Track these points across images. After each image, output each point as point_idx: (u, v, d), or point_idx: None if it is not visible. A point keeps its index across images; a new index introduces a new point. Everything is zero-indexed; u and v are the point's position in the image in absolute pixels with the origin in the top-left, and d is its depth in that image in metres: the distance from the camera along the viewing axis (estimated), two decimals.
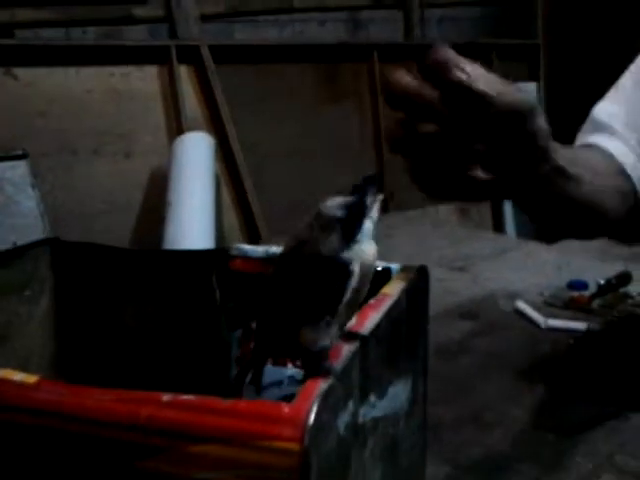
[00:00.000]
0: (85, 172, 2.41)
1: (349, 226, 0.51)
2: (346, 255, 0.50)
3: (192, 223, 2.22)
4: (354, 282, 0.49)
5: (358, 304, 0.54)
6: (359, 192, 0.55)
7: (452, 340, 1.41)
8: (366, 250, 0.52)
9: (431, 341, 1.43)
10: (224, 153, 2.64)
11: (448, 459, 1.00)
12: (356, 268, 0.49)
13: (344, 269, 0.49)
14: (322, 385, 0.46)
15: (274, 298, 0.52)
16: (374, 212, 0.55)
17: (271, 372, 0.76)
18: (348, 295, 0.48)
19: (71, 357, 0.85)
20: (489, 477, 0.95)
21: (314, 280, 0.48)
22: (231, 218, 2.65)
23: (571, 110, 3.41)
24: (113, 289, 0.82)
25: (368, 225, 0.53)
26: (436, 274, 1.89)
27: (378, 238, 1.72)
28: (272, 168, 2.68)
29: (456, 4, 3.56)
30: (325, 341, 0.47)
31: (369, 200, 0.54)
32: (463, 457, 1.00)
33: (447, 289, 1.72)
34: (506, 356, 1.32)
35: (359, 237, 0.51)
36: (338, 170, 2.85)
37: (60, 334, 0.83)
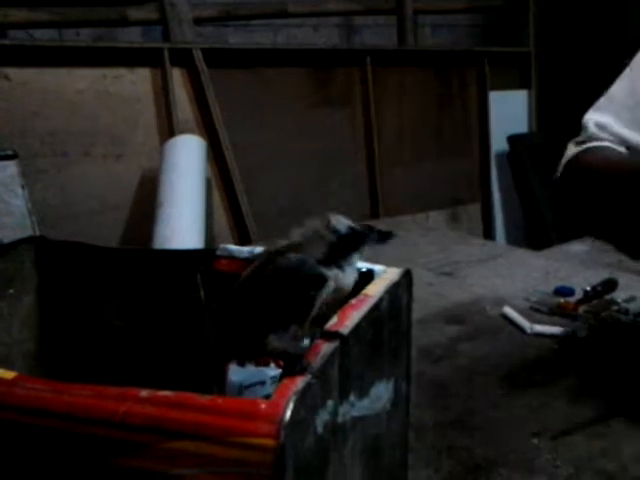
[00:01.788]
0: (76, 173, 2.40)
1: (342, 247, 0.52)
2: (325, 271, 0.51)
3: (182, 225, 2.22)
4: (325, 296, 0.50)
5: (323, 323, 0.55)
6: (364, 228, 0.57)
7: (438, 344, 1.42)
8: (345, 277, 0.53)
9: (417, 344, 1.44)
10: (215, 156, 2.64)
11: (430, 462, 1.00)
12: (331, 285, 0.50)
13: (319, 280, 0.49)
14: (299, 383, 0.46)
15: (246, 300, 0.52)
16: (363, 251, 0.57)
17: (254, 372, 0.77)
18: (317, 308, 0.49)
19: (55, 355, 0.85)
20: None
21: (288, 285, 0.49)
22: (222, 220, 2.65)
23: (562, 117, 3.44)
24: (97, 287, 0.82)
25: (355, 258, 0.55)
26: (424, 279, 1.91)
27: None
28: (263, 171, 2.68)
29: (449, 11, 3.59)
30: (290, 350, 0.48)
31: (367, 240, 0.56)
32: (446, 460, 1.01)
33: (435, 293, 1.73)
34: (491, 360, 1.33)
35: (345, 262, 0.53)
36: (329, 174, 2.86)
37: (44, 332, 0.83)
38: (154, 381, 0.55)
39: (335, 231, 0.52)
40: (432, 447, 1.04)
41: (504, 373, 1.28)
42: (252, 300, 0.53)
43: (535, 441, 1.04)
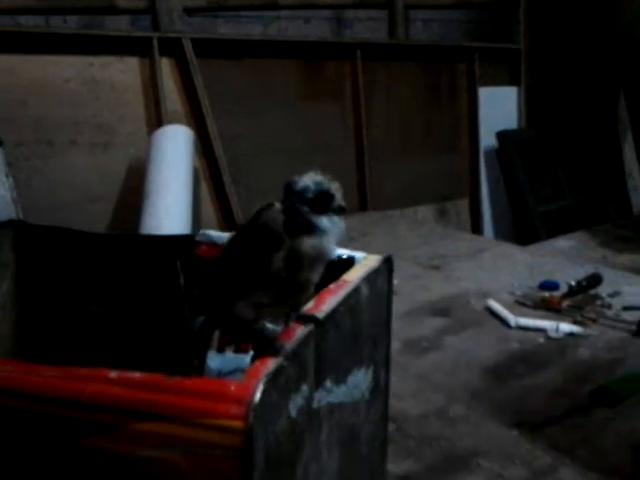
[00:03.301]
0: (62, 162, 2.37)
1: (293, 208, 0.51)
2: (283, 230, 0.49)
3: (169, 215, 2.20)
4: (282, 256, 0.49)
5: (300, 294, 0.53)
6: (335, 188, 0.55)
7: (423, 336, 1.42)
8: (308, 241, 0.50)
9: (402, 337, 1.44)
10: (204, 146, 2.62)
11: (411, 453, 1.00)
12: (287, 243, 0.49)
13: (275, 242, 0.49)
14: (271, 365, 0.46)
15: (218, 272, 0.52)
16: (337, 220, 0.54)
17: (233, 359, 0.76)
18: (275, 266, 0.49)
19: (33, 339, 0.84)
20: (450, 472, 0.95)
21: (246, 250, 0.48)
22: (209, 210, 2.63)
23: (551, 114, 3.45)
24: (77, 272, 0.81)
25: (325, 223, 0.52)
26: (411, 271, 1.91)
27: (354, 236, 1.72)
28: (251, 162, 2.66)
29: (441, 7, 3.58)
30: (251, 316, 0.48)
31: (336, 203, 0.53)
32: (426, 451, 1.01)
33: (421, 287, 1.73)
34: (475, 353, 1.33)
35: (309, 225, 0.51)
36: (317, 167, 2.84)
37: (21, 315, 0.82)
38: (132, 367, 0.54)
39: (300, 194, 0.50)
40: (413, 438, 1.04)
41: (487, 365, 1.28)
42: (221, 271, 0.52)
43: (515, 432, 1.04)
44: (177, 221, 2.26)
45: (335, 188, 0.53)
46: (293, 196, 0.51)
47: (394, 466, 0.93)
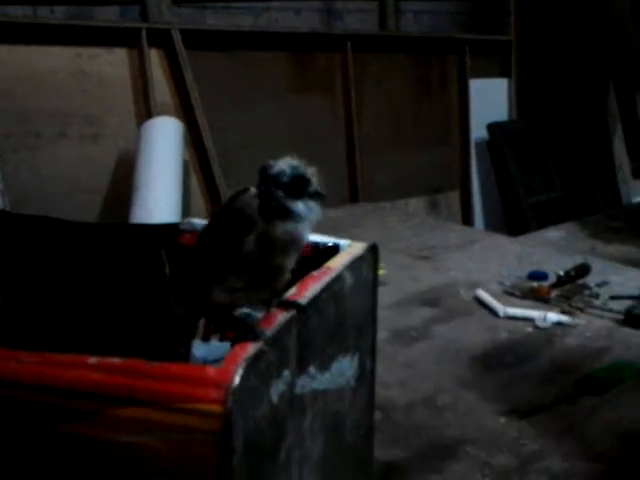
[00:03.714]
0: (50, 154, 2.35)
1: (269, 192, 0.50)
2: (255, 214, 0.49)
3: (159, 206, 2.20)
4: (254, 239, 0.49)
5: (274, 279, 0.53)
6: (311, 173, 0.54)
7: (412, 326, 1.42)
8: (283, 225, 0.50)
9: (391, 326, 1.44)
10: (193, 139, 2.61)
11: (398, 441, 1.01)
12: (259, 226, 0.49)
13: (247, 225, 0.49)
14: (251, 349, 0.45)
15: (196, 259, 0.52)
16: (314, 205, 0.53)
17: (218, 347, 0.76)
18: (247, 249, 0.48)
19: (20, 330, 0.84)
20: (437, 460, 0.96)
21: (219, 234, 0.48)
22: (199, 202, 2.63)
23: (541, 106, 3.46)
24: (61, 261, 0.81)
25: (300, 208, 0.51)
26: (401, 262, 1.91)
27: (343, 227, 1.72)
28: (241, 154, 2.65)
29: None
30: (226, 301, 0.48)
31: (312, 188, 0.53)
32: (414, 439, 1.01)
33: (410, 277, 1.73)
34: (463, 342, 1.33)
35: (284, 209, 0.51)
36: (308, 159, 2.83)
37: (8, 307, 0.82)
38: (118, 356, 0.54)
39: (275, 178, 0.50)
40: (401, 426, 1.04)
41: (475, 354, 1.28)
42: (197, 258, 0.52)
43: (502, 420, 1.05)
44: (167, 213, 2.25)
45: (311, 173, 0.53)
46: (268, 180, 0.50)
47: (381, 454, 0.93)
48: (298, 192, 0.51)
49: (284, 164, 0.52)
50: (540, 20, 3.38)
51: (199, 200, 2.60)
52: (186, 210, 2.36)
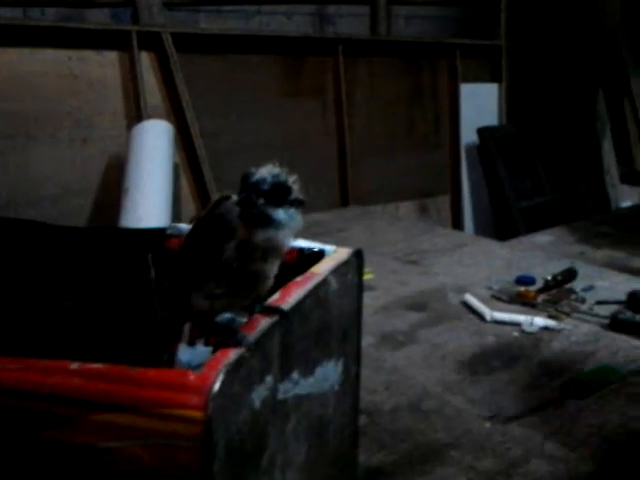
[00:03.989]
0: (40, 156, 2.35)
1: (250, 200, 0.50)
2: (236, 221, 0.50)
3: (149, 210, 2.19)
4: (233, 247, 0.49)
5: (254, 286, 0.53)
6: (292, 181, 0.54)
7: (398, 330, 1.43)
8: (263, 233, 0.50)
9: (378, 330, 1.45)
10: (184, 142, 2.61)
11: (384, 445, 1.01)
12: (239, 233, 0.50)
13: (227, 232, 0.49)
14: (232, 355, 0.46)
15: (179, 265, 0.52)
16: (294, 213, 0.53)
17: (203, 352, 0.76)
18: (226, 255, 0.49)
19: (4, 334, 0.83)
20: (423, 464, 0.96)
21: (199, 241, 0.49)
22: (190, 207, 2.63)
23: (531, 110, 3.48)
24: (46, 265, 0.81)
25: (281, 216, 0.51)
26: (389, 266, 1.92)
27: (332, 231, 1.72)
28: (232, 158, 2.66)
29: (423, 3, 3.59)
30: (206, 307, 0.48)
31: (293, 196, 0.53)
32: (399, 444, 1.01)
33: (398, 281, 1.74)
34: (450, 347, 1.34)
35: (265, 218, 0.51)
36: (299, 163, 2.84)
37: None
38: (103, 361, 0.54)
39: (255, 186, 0.51)
40: (386, 431, 1.04)
41: (462, 359, 1.29)
42: (180, 264, 0.53)
43: (488, 424, 1.06)
44: (157, 216, 2.25)
45: (292, 181, 0.53)
46: (249, 187, 0.51)
47: (366, 458, 0.93)
48: (279, 200, 0.51)
49: (265, 171, 0.52)
50: (530, 25, 3.41)
51: (190, 204, 2.60)
52: (177, 214, 2.36)
